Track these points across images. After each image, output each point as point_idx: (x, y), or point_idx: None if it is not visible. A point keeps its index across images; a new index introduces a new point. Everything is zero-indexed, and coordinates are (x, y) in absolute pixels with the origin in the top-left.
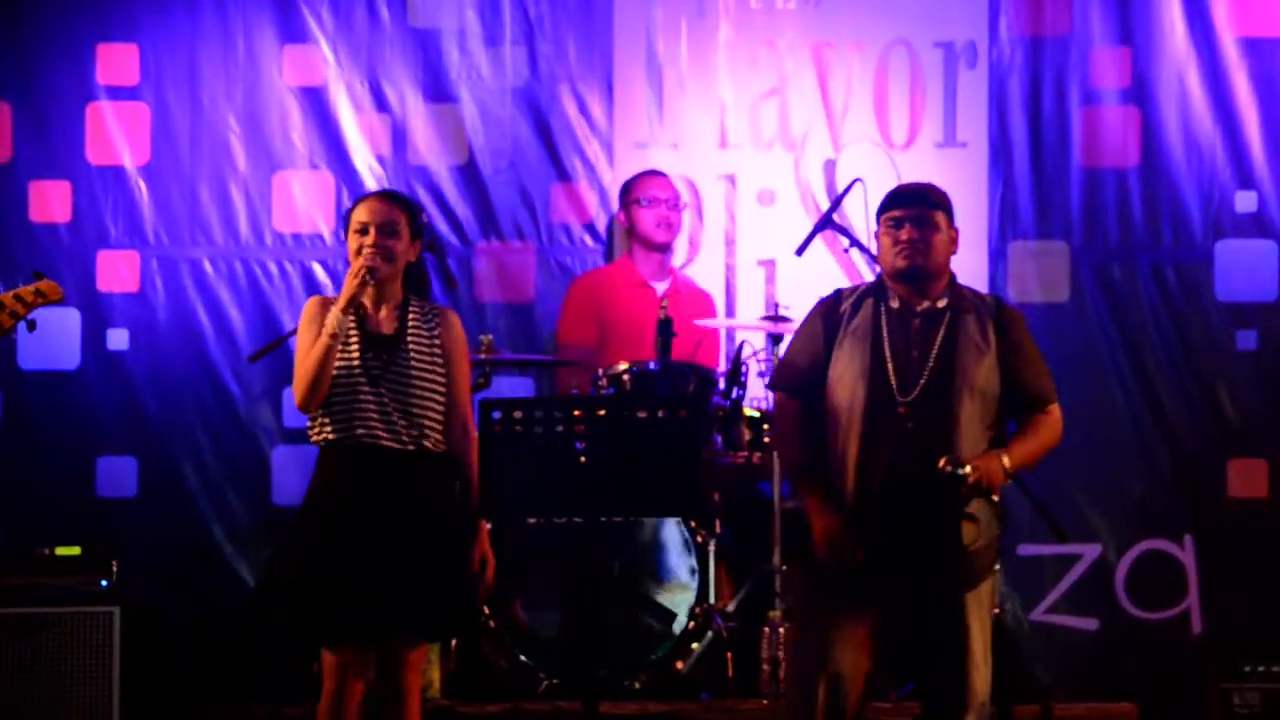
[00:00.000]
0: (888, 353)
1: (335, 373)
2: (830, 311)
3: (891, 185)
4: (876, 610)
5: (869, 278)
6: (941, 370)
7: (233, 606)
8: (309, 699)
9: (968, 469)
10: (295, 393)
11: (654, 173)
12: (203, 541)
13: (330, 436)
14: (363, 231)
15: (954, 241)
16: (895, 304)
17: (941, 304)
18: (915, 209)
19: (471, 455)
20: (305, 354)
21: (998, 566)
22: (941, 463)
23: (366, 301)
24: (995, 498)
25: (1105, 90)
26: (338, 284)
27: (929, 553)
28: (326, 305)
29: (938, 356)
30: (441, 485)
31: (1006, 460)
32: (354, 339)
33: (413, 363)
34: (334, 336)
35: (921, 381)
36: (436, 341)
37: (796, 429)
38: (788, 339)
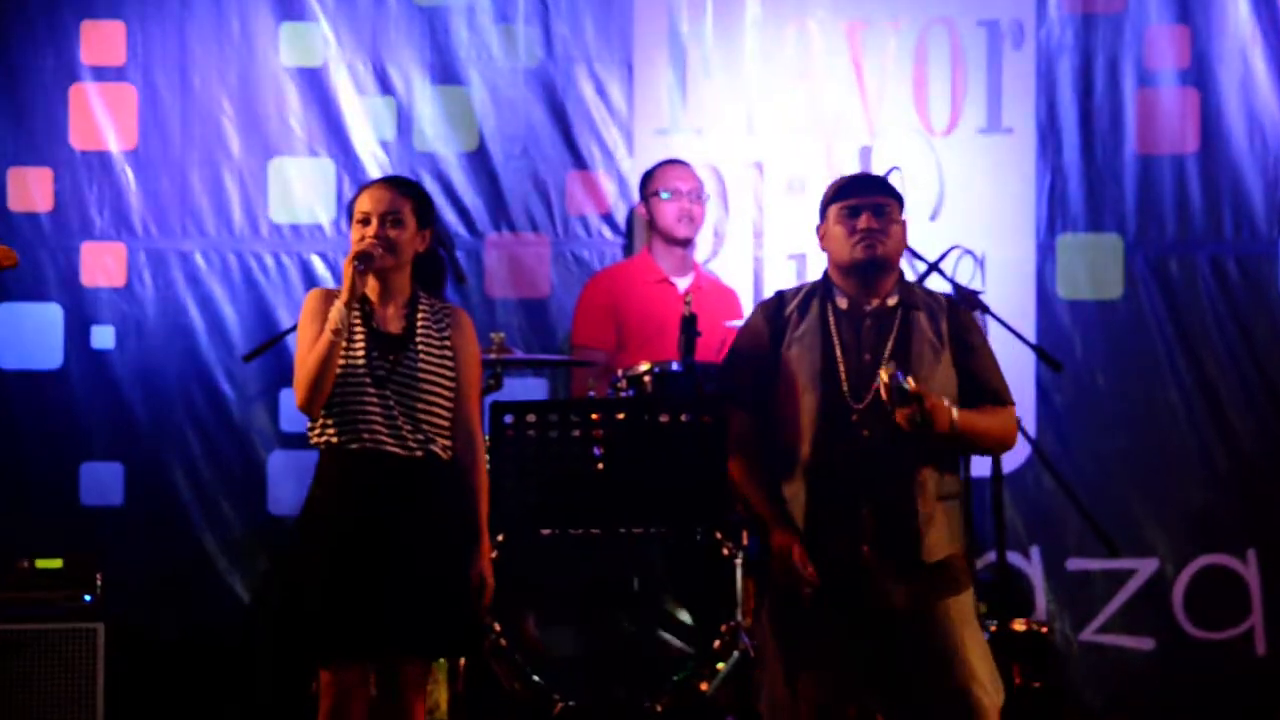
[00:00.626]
0: (839, 356)
1: (339, 373)
2: (774, 315)
3: (932, 174)
4: (844, 633)
5: (907, 272)
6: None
7: (225, 623)
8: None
9: (912, 382)
10: (296, 393)
11: (675, 162)
12: (193, 553)
13: (332, 441)
14: (365, 222)
15: (904, 235)
16: (844, 304)
17: (892, 302)
18: (872, 197)
19: (479, 464)
20: (306, 352)
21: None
22: (885, 372)
23: (372, 297)
24: (951, 495)
25: (1162, 71)
26: (337, 277)
27: (892, 564)
28: (328, 299)
29: (891, 357)
30: (450, 494)
31: (956, 412)
32: (359, 337)
33: (421, 364)
34: (336, 333)
35: (875, 386)
36: (447, 342)
37: (746, 442)
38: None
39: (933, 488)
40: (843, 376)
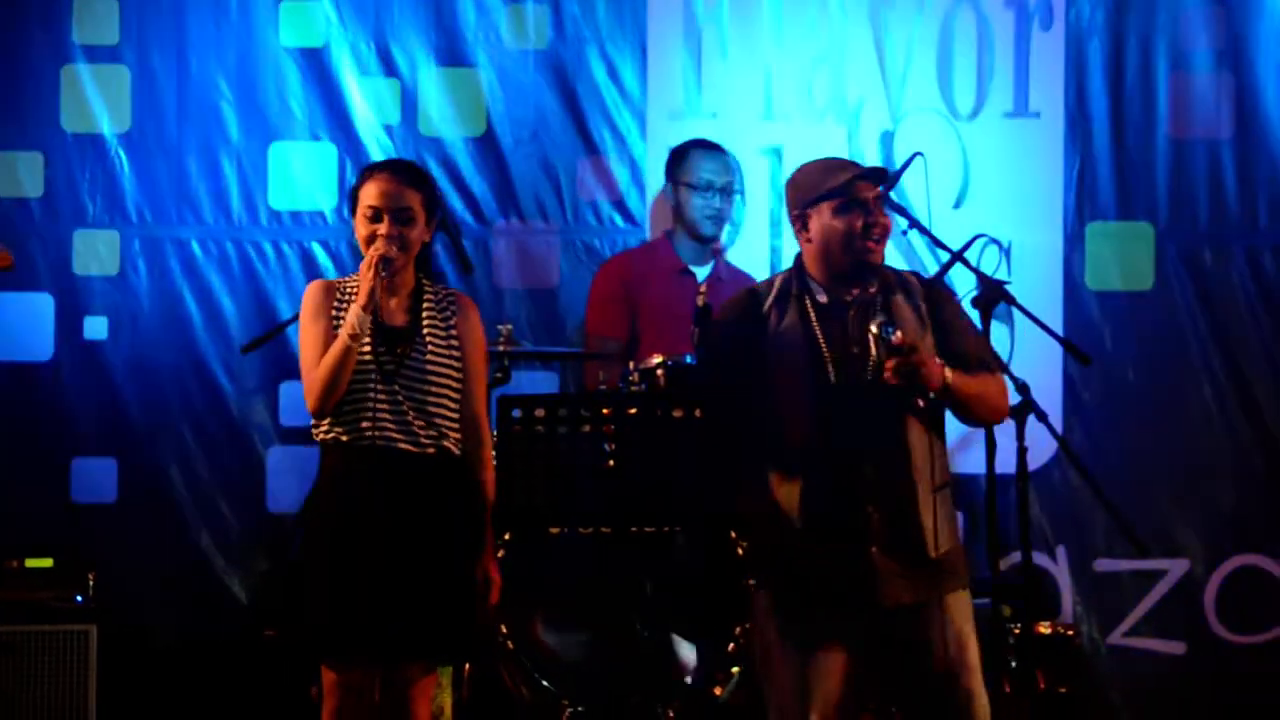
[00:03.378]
0: (826, 353)
1: None
2: (751, 316)
3: (956, 160)
4: (851, 633)
5: (929, 262)
6: (883, 364)
7: (223, 625)
8: None
9: (899, 334)
10: (308, 398)
11: (709, 147)
12: (189, 553)
13: (341, 438)
14: (374, 218)
15: None
16: (823, 298)
17: (873, 289)
18: (873, 193)
19: (486, 459)
20: (313, 350)
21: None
22: (874, 325)
23: (378, 289)
24: (943, 485)
25: (1196, 54)
26: (340, 267)
27: (900, 559)
28: (331, 291)
29: (878, 348)
30: (463, 492)
31: (949, 371)
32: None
33: (429, 356)
34: (354, 337)
35: (865, 379)
36: (453, 332)
37: (729, 446)
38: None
39: (929, 478)
40: (831, 373)
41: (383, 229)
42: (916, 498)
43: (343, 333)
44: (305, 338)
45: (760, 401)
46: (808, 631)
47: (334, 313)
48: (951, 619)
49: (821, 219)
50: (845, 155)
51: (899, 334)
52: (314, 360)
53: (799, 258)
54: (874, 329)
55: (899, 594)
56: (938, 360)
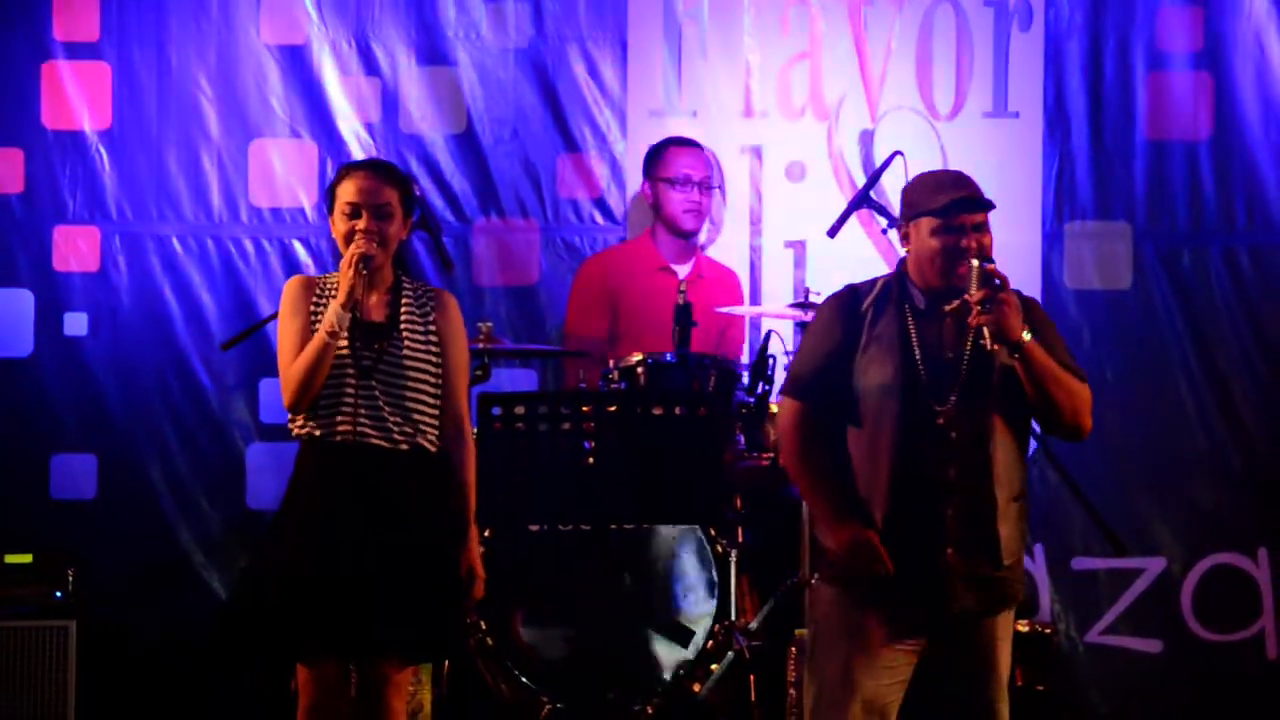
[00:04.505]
0: (919, 360)
1: None
2: (849, 312)
3: (934, 159)
4: (910, 634)
5: None
6: (979, 372)
7: (202, 621)
8: None
9: (994, 267)
10: (284, 393)
11: (686, 144)
12: (169, 549)
13: (315, 433)
14: (353, 214)
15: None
16: (921, 303)
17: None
18: (976, 209)
19: (467, 455)
20: (291, 346)
21: None
22: (974, 259)
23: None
24: (1018, 496)
25: (1174, 54)
26: (320, 263)
27: (971, 567)
28: (310, 287)
29: (972, 356)
30: (438, 489)
31: (1028, 335)
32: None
33: (406, 352)
34: (333, 335)
35: (959, 387)
36: (432, 328)
37: (813, 436)
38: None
39: (1009, 487)
40: (924, 379)
41: (361, 224)
42: (996, 505)
43: (321, 329)
44: (283, 333)
45: (851, 396)
46: (868, 626)
47: (313, 309)
48: (997, 636)
49: (920, 234)
50: (823, 154)
51: (994, 267)
52: (291, 356)
53: (902, 263)
54: (974, 261)
55: (966, 599)
56: (1018, 315)
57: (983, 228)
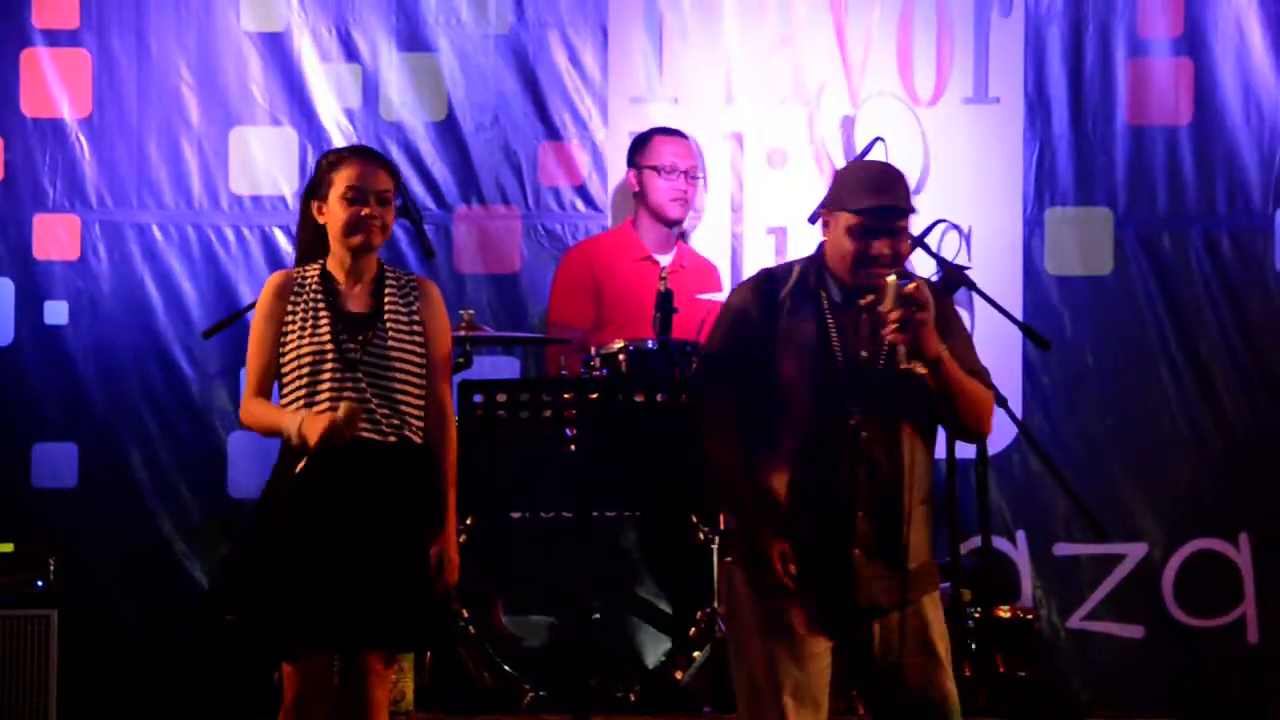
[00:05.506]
0: (838, 355)
1: (304, 356)
2: (766, 297)
3: (916, 146)
4: (826, 627)
5: None
6: (890, 372)
7: (184, 611)
8: (268, 713)
9: (913, 286)
10: (243, 414)
11: (672, 133)
12: (150, 538)
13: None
14: (357, 199)
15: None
16: (838, 296)
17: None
18: (893, 221)
19: (450, 444)
20: (257, 352)
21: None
22: (891, 280)
23: (339, 276)
24: (922, 500)
25: (1154, 40)
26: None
27: (879, 565)
28: (287, 287)
29: (887, 358)
30: (424, 481)
31: (944, 351)
32: (324, 319)
33: (391, 343)
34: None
35: (874, 385)
36: (416, 317)
37: (733, 427)
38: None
39: (918, 490)
40: (839, 378)
41: (367, 210)
42: (903, 509)
43: (287, 426)
44: (252, 335)
45: (764, 385)
46: (786, 616)
47: (290, 307)
48: (926, 621)
49: (838, 228)
50: (804, 140)
51: (913, 286)
52: (257, 360)
53: (821, 247)
54: (890, 279)
55: (876, 596)
56: (934, 332)
57: (899, 234)
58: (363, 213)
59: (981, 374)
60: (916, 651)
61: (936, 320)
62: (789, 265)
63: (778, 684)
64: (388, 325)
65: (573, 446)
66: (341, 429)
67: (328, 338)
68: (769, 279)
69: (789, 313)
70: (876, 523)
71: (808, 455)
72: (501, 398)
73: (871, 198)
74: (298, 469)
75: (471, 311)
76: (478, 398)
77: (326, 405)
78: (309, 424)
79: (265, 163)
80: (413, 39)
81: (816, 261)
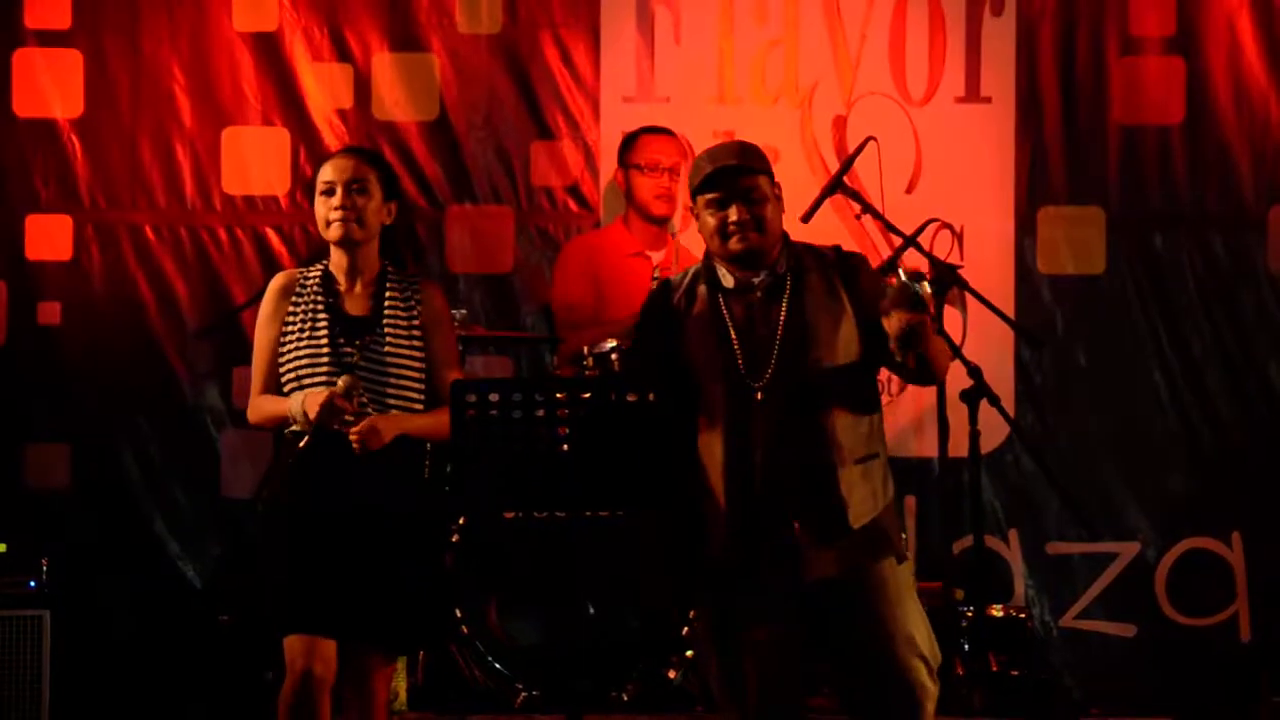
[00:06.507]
0: (734, 337)
1: (300, 357)
2: (663, 306)
3: (908, 145)
4: (778, 611)
5: (883, 246)
6: (794, 343)
7: (177, 610)
8: (260, 712)
9: (927, 289)
10: (250, 411)
11: (658, 131)
12: (144, 538)
13: (296, 428)
14: (329, 193)
15: (781, 201)
16: (730, 281)
17: (780, 269)
18: (739, 182)
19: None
20: (261, 354)
21: (905, 534)
22: (903, 272)
23: (339, 275)
24: (872, 456)
25: (1146, 39)
26: (293, 251)
27: (820, 534)
28: (289, 288)
29: (786, 328)
30: (419, 483)
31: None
32: (322, 320)
33: (389, 347)
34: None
35: (773, 360)
36: (416, 321)
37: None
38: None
39: (849, 450)
40: (739, 358)
41: (335, 202)
42: (836, 471)
43: (292, 410)
44: (256, 337)
45: (680, 389)
46: (738, 606)
47: (291, 309)
48: (879, 588)
49: (700, 215)
50: (797, 139)
51: (926, 287)
52: (262, 364)
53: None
54: (900, 276)
55: (821, 568)
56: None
57: (752, 196)
58: (333, 204)
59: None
60: (869, 621)
61: (860, 291)
62: (685, 270)
63: (744, 676)
64: (386, 330)
65: (565, 446)
66: (341, 402)
67: (325, 341)
68: (663, 288)
69: (683, 310)
70: (807, 491)
71: (728, 440)
72: (494, 397)
73: (708, 167)
74: (300, 445)
75: (464, 311)
76: (471, 397)
77: None
78: (310, 398)
79: (258, 163)
80: (405, 39)
81: (705, 257)
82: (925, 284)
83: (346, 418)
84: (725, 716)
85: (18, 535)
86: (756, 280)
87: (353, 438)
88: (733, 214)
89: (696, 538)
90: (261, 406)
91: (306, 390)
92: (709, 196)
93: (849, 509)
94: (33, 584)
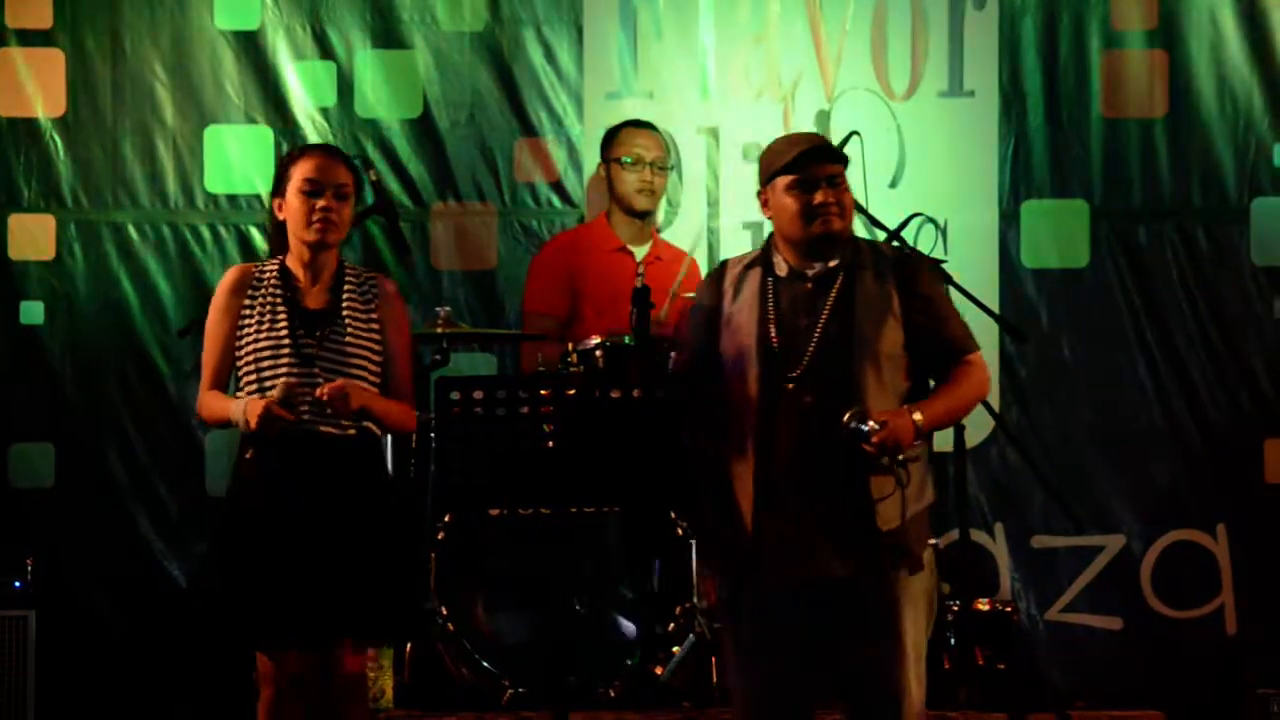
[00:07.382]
0: (773, 324)
1: (260, 351)
2: (714, 289)
3: (891, 139)
4: (790, 610)
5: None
6: (834, 337)
7: (163, 609)
8: (246, 711)
9: (873, 424)
10: (199, 409)
11: (639, 125)
12: (129, 537)
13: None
14: (314, 192)
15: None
16: (783, 270)
17: (834, 264)
18: (826, 167)
19: (400, 404)
20: (212, 350)
21: (933, 541)
22: (846, 417)
23: (299, 273)
24: (912, 458)
25: (1129, 32)
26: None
27: (844, 533)
28: (244, 284)
29: (828, 322)
30: (385, 473)
31: (919, 416)
32: (281, 315)
33: (349, 339)
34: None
35: (810, 351)
36: (374, 315)
37: (697, 424)
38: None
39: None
40: (776, 345)
41: (322, 203)
42: (865, 471)
43: (233, 411)
44: (207, 330)
45: (720, 377)
46: (750, 611)
47: (247, 302)
48: (889, 602)
49: (776, 196)
50: (780, 134)
51: (873, 424)
52: (210, 356)
53: (771, 234)
54: (848, 421)
55: (832, 567)
56: (905, 414)
57: (838, 182)
58: (318, 204)
59: (961, 338)
60: (875, 634)
61: (915, 297)
62: (746, 254)
63: (757, 677)
64: (346, 322)
65: (550, 443)
66: (279, 409)
67: (285, 333)
68: (720, 268)
69: (733, 296)
70: (835, 486)
71: (761, 431)
72: (478, 394)
73: (797, 149)
74: (246, 455)
75: (448, 308)
76: (455, 395)
77: None
78: (251, 406)
79: (240, 161)
80: (387, 36)
81: (767, 244)
82: (870, 422)
83: (288, 417)
84: (736, 697)
85: (2, 535)
86: (810, 271)
87: (322, 395)
88: (818, 196)
89: (724, 520)
90: (209, 404)
91: (247, 399)
92: (792, 178)
93: (878, 511)
94: (18, 584)
